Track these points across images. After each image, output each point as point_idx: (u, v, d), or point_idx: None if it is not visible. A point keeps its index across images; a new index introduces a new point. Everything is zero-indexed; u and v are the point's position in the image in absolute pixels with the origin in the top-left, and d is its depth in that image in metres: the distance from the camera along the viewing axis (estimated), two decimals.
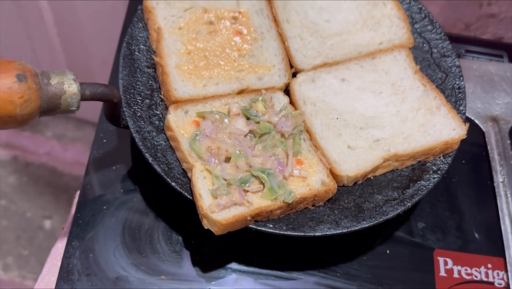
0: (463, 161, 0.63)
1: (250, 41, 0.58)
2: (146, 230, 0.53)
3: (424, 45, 0.62)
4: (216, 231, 0.46)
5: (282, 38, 0.59)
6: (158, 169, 0.49)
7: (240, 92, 0.55)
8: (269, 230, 0.48)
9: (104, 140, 0.58)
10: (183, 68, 0.55)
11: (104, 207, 0.54)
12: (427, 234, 0.57)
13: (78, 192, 0.60)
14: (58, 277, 0.51)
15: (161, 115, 0.54)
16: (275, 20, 0.60)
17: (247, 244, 0.53)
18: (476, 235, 0.58)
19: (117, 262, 0.52)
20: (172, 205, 0.55)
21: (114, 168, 0.57)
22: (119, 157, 0.58)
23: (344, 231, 0.48)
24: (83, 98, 0.45)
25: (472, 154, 0.64)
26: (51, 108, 0.43)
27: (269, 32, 0.59)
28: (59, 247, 0.63)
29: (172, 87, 0.53)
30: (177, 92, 0.53)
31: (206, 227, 0.46)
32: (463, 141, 0.54)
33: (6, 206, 1.61)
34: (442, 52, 0.61)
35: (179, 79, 0.54)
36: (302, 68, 0.58)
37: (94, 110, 1.53)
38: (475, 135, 0.65)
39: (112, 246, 0.52)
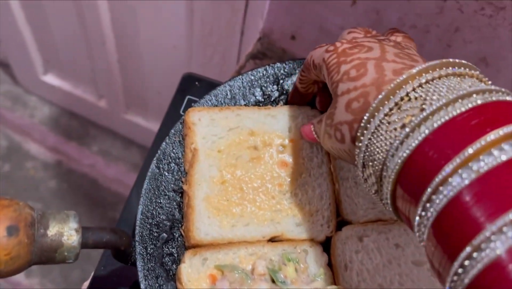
0: None
1: (295, 175, 0.50)
2: None
3: None
4: None
5: (333, 178, 0.51)
6: None
7: (272, 238, 0.48)
8: None
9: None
10: (213, 202, 0.47)
11: None
12: None
13: None
14: None
15: (176, 255, 0.47)
16: (330, 155, 0.51)
17: None
18: None
19: None
20: None
21: None
22: (124, 279, 0.51)
23: None
24: (84, 247, 0.39)
25: None
26: (43, 261, 0.37)
27: (320, 168, 0.50)
28: None
29: (194, 225, 0.46)
30: (199, 232, 0.46)
31: None
32: None
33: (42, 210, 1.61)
34: None
35: (205, 215, 0.47)
36: (350, 220, 0.49)
37: (142, 133, 1.50)
38: None
39: None
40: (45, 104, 1.62)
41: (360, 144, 0.35)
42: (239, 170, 0.49)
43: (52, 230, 0.37)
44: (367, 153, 0.34)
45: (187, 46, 1.08)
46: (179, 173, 0.50)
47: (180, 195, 0.49)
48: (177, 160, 0.50)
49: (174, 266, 0.46)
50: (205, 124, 0.50)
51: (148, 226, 0.46)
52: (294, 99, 0.52)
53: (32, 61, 1.41)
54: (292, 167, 0.50)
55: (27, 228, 0.36)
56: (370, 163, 0.34)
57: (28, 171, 1.65)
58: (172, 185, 0.49)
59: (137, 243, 0.45)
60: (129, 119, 1.45)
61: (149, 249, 0.45)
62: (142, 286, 0.43)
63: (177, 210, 0.48)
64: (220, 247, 0.46)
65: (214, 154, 0.49)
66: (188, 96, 0.61)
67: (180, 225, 0.48)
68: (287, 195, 0.49)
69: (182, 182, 0.49)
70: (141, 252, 0.45)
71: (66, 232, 0.38)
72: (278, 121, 0.51)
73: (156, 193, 0.48)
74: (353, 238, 0.48)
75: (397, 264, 0.47)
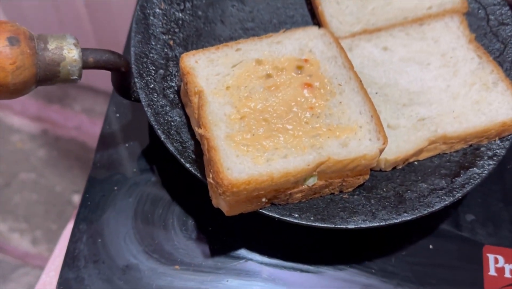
0: None
1: (324, 95, 0.45)
2: (160, 215, 0.48)
3: (480, 11, 0.54)
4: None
5: (315, 3, 0.52)
6: (171, 148, 0.44)
7: (319, 165, 0.42)
8: (295, 221, 0.42)
9: (117, 115, 0.53)
10: (236, 139, 0.42)
11: (115, 188, 0.50)
12: (476, 228, 0.50)
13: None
14: (63, 264, 0.46)
15: (176, 88, 0.48)
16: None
17: (270, 233, 0.48)
18: None
19: (127, 248, 0.47)
20: (189, 188, 0.49)
21: (127, 145, 0.52)
22: (133, 133, 0.53)
23: (381, 224, 0.42)
24: (86, 66, 0.40)
25: None
26: (49, 76, 0.38)
27: (348, 83, 0.46)
28: (70, 228, 0.59)
29: (223, 166, 0.40)
30: (231, 172, 0.40)
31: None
32: None
33: (36, 180, 1.60)
34: (500, 19, 0.53)
35: (233, 154, 0.42)
36: (338, 36, 0.51)
37: None
38: None
39: (123, 231, 0.48)
40: None
41: None
42: (256, 102, 0.44)
43: (52, 44, 0.38)
44: None
45: None
46: (165, 17, 0.51)
47: (169, 36, 0.50)
48: (160, 5, 0.51)
49: (175, 96, 0.47)
50: (204, 66, 0.46)
51: (144, 64, 0.47)
52: None
53: None
54: (318, 87, 0.45)
55: (27, 40, 0.37)
56: None
57: (15, 144, 1.64)
58: (159, 28, 0.50)
59: (136, 79, 0.46)
60: None
61: (149, 84, 0.47)
62: (148, 114, 0.45)
63: (169, 49, 0.50)
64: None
65: (223, 92, 0.45)
66: None
67: (174, 62, 0.49)
68: (321, 117, 0.44)
69: (169, 24, 0.50)
70: (141, 86, 0.46)
71: (66, 46, 0.39)
72: (284, 46, 0.47)
73: (146, 36, 0.49)
74: None
75: (387, 62, 0.49)
